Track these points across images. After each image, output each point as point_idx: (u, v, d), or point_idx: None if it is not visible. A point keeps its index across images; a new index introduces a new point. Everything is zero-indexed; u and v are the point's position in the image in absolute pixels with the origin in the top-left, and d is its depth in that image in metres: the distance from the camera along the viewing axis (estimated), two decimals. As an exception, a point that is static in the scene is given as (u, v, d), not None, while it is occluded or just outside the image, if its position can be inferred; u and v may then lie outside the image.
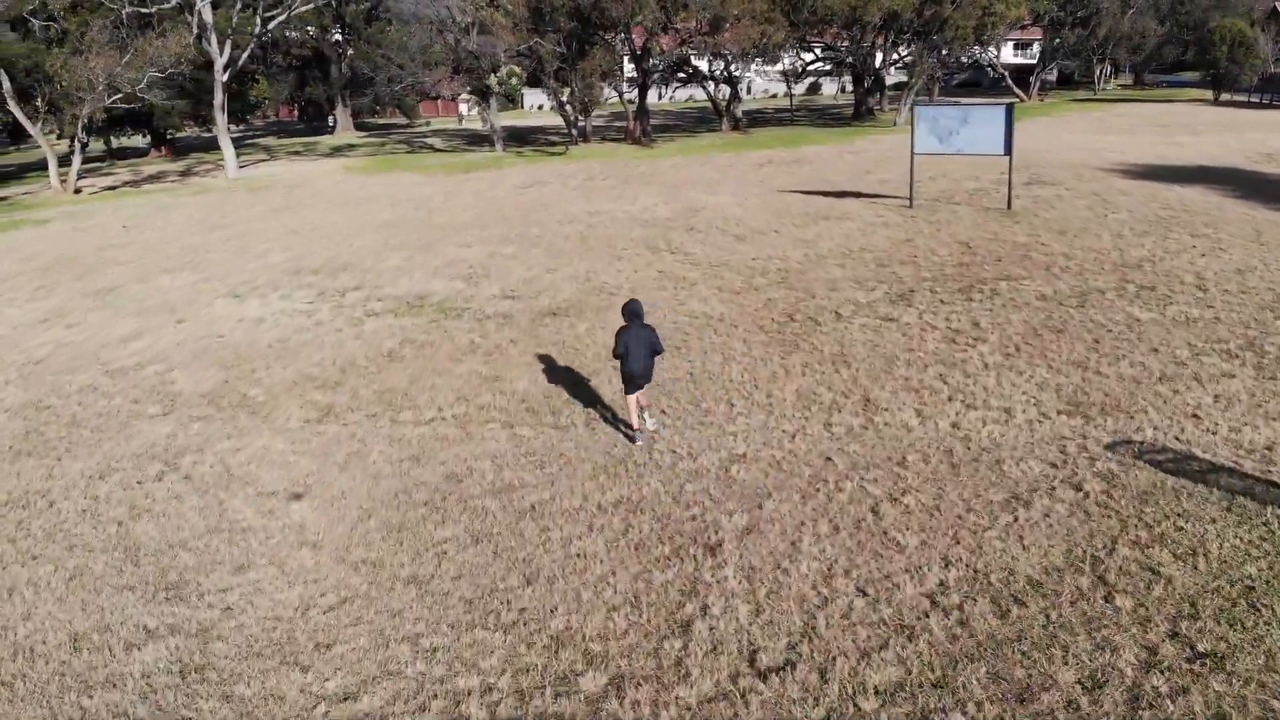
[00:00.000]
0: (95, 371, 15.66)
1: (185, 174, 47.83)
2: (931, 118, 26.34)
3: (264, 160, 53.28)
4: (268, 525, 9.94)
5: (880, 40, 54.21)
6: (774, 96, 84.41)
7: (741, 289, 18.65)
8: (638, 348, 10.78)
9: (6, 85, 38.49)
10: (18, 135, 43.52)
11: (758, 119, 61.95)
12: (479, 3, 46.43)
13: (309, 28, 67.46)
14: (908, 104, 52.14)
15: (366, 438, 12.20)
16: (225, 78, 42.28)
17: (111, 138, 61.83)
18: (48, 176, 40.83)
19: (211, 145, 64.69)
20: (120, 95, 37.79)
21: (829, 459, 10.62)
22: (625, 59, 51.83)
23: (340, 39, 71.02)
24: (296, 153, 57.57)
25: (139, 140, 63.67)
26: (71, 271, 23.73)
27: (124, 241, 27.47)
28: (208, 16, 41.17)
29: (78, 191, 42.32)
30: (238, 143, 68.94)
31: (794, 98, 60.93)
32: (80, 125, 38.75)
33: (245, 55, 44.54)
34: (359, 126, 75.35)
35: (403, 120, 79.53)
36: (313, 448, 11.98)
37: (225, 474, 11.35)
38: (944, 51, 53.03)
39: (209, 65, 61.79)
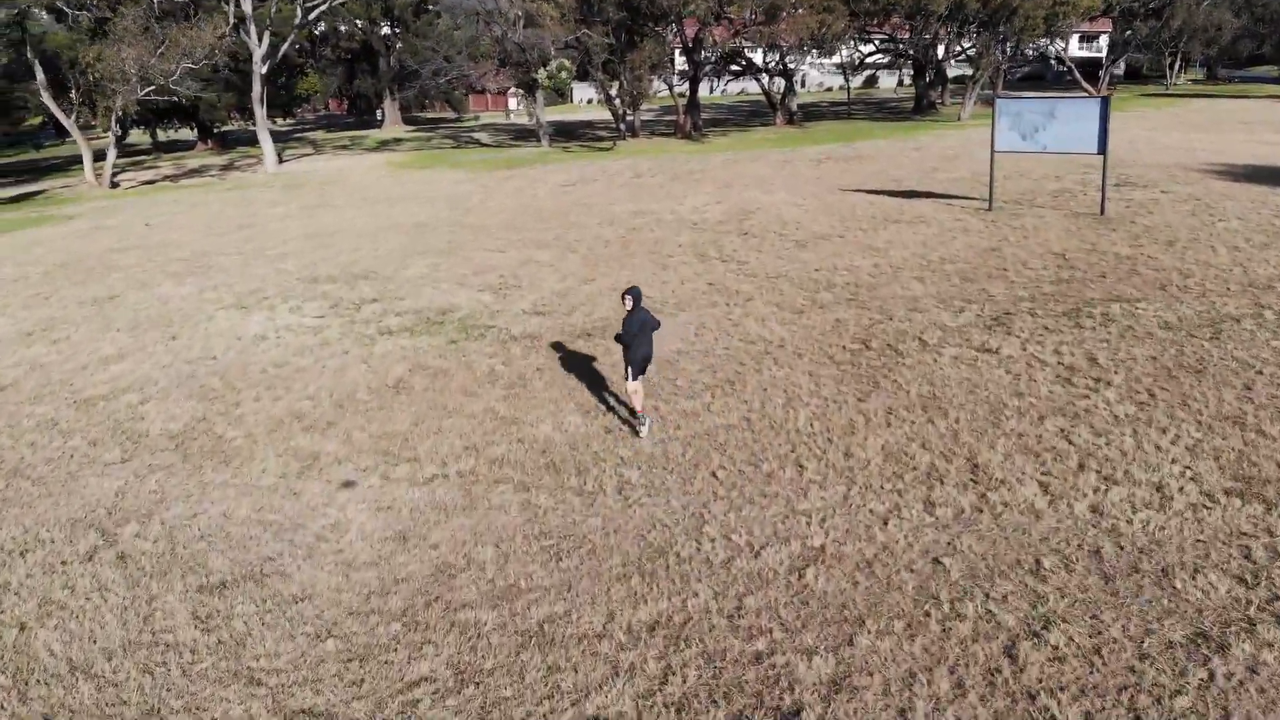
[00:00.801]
0: (61, 401, 13.34)
1: (226, 168, 45.99)
2: (1014, 112, 23.26)
3: (308, 154, 51.32)
4: (197, 643, 7.45)
5: (944, 31, 50.81)
6: (829, 90, 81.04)
7: (805, 306, 15.90)
8: (645, 335, 10.71)
9: (41, 77, 36.74)
10: (64, 129, 41.85)
11: (812, 113, 58.81)
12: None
13: (357, 20, 65.55)
14: (973, 98, 48.81)
15: (349, 504, 9.68)
16: (264, 70, 40.19)
17: (158, 131, 60.44)
18: (104, 168, 39.06)
19: (253, 140, 63.16)
20: (153, 87, 35.79)
21: (937, 561, 7.89)
22: (675, 51, 49.06)
23: (389, 32, 69.04)
24: (343, 147, 55.59)
25: (187, 133, 62.20)
26: (75, 276, 21.60)
27: (139, 243, 25.35)
28: (246, 7, 39.09)
29: (115, 185, 40.62)
30: (285, 136, 67.39)
31: (851, 91, 57.65)
32: (114, 118, 36.85)
33: (285, 47, 42.42)
34: (408, 120, 73.36)
35: (451, 114, 77.38)
36: (281, 517, 9.49)
37: (168, 554, 8.90)
38: (1012, 43, 49.50)
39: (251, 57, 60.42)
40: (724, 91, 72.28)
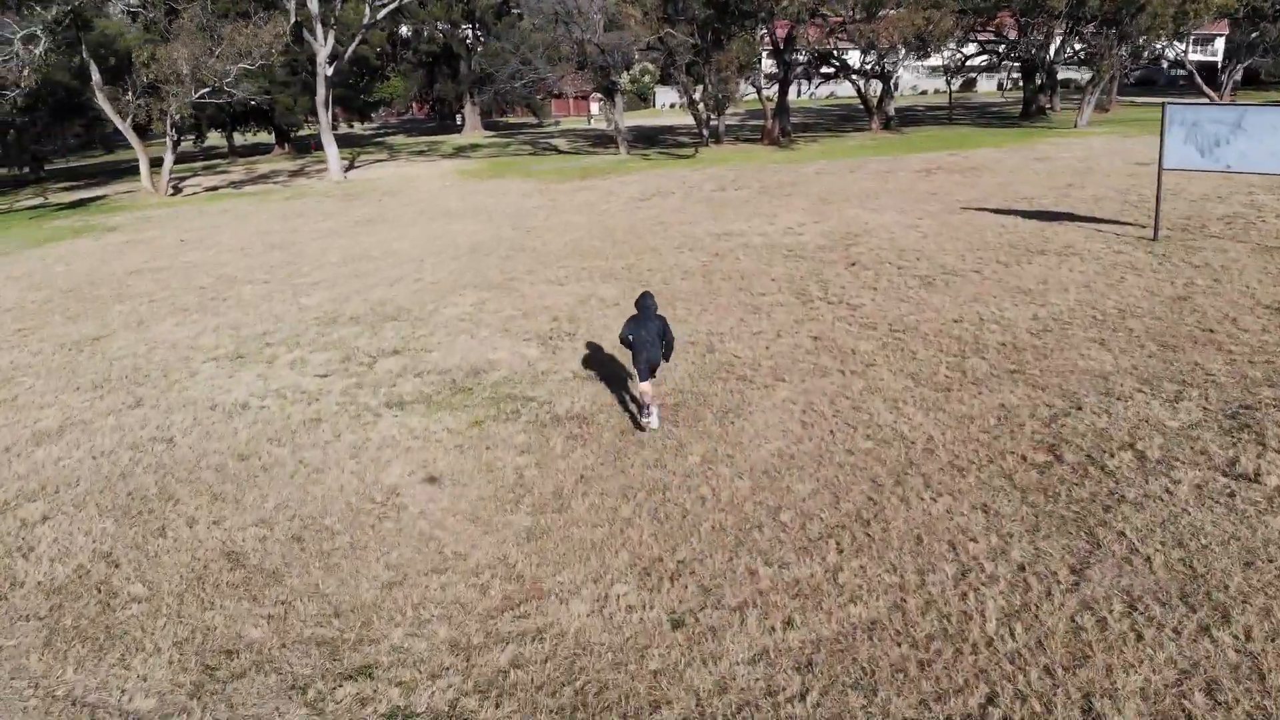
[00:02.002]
0: (-54, 507, 9.61)
1: (295, 174, 42.94)
2: (1189, 122, 18.24)
3: (381, 160, 48.06)
4: None
5: (1059, 30, 45.21)
6: (922, 93, 75.34)
7: (951, 380, 11.42)
8: (651, 338, 10.11)
9: (96, 77, 33.89)
10: (141, 131, 39.18)
11: (908, 117, 53.55)
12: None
13: (438, 23, 62.34)
14: (1091, 102, 43.18)
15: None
16: (329, 71, 36.80)
17: (235, 134, 58.02)
18: (157, 174, 36.14)
19: (339, 144, 60.37)
20: (207, 89, 32.62)
21: None
22: (763, 52, 44.50)
23: (470, 35, 65.73)
24: (419, 152, 52.29)
25: (266, 137, 59.74)
26: (74, 306, 18.16)
27: (166, 263, 21.91)
28: (313, 6, 35.74)
29: (177, 190, 37.83)
30: (365, 140, 64.64)
31: (952, 94, 52.27)
32: (169, 122, 33.80)
33: (353, 47, 39.03)
34: (488, 125, 70.03)
35: (533, 120, 73.83)
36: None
37: None
38: (1137, 43, 43.71)
39: (334, 59, 57.54)
40: (812, 95, 67.24)
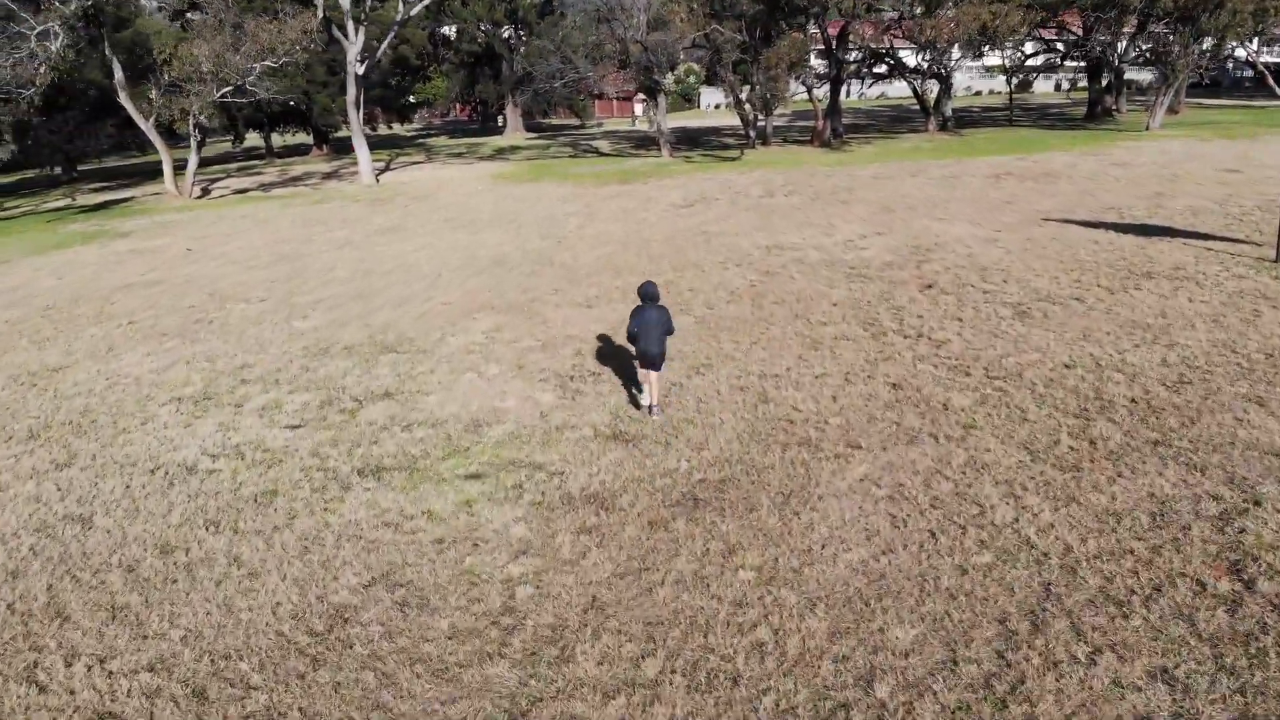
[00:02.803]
0: None
1: (329, 177, 40.83)
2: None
3: (419, 163, 45.83)
4: None
5: (1130, 27, 41.70)
6: (976, 94, 71.70)
7: (1077, 455, 8.66)
8: (650, 330, 9.73)
9: (119, 75, 31.93)
10: (171, 133, 37.39)
11: (964, 119, 50.22)
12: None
13: (480, 22, 60.09)
14: (1164, 104, 39.68)
15: None
16: (360, 70, 34.54)
17: (274, 135, 56.28)
18: (185, 176, 34.16)
19: (377, 145, 58.38)
20: (229, 89, 30.49)
21: None
22: (814, 50, 41.57)
23: (512, 34, 63.41)
24: (458, 154, 50.02)
25: (306, 138, 57.89)
26: (44, 330, 15.92)
27: (164, 276, 19.67)
28: (344, 1, 33.49)
29: (205, 193, 35.91)
30: (407, 142, 62.63)
31: (1013, 95, 48.76)
32: (191, 123, 31.75)
33: (385, 45, 36.75)
34: (530, 127, 67.73)
35: (575, 121, 71.34)
36: None
37: None
38: (1214, 41, 40.05)
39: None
40: (862, 95, 63.97)
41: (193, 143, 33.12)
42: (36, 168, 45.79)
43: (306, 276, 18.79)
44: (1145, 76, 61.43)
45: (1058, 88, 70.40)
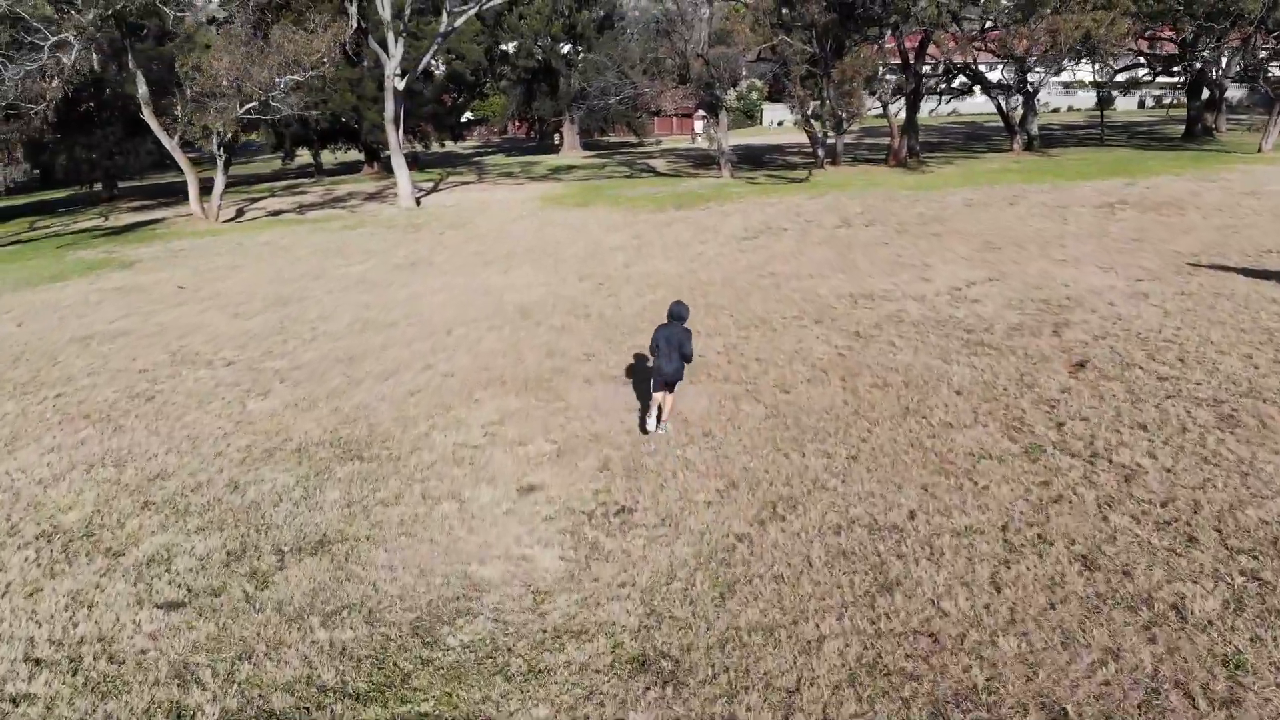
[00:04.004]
0: None
1: (371, 197, 37.56)
2: None
3: (468, 183, 42.43)
4: None
5: (1234, 38, 36.63)
6: (1054, 111, 66.41)
7: None
8: (667, 347, 9.15)
9: (143, 90, 28.98)
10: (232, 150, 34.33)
11: (1049, 137, 45.30)
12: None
13: (537, 37, 56.73)
14: (1278, 123, 34.54)
15: None
16: (401, 85, 31.19)
17: (325, 152, 53.50)
18: (211, 197, 31.12)
19: (431, 163, 55.34)
20: (253, 104, 27.28)
21: None
22: (890, 63, 37.25)
23: (571, 49, 59.93)
24: (509, 174, 46.53)
25: (358, 155, 55.00)
26: (-38, 396, 12.51)
27: (135, 326, 16.21)
28: (384, 12, 30.17)
29: (240, 214, 33.00)
30: (462, 160, 59.46)
31: (1104, 112, 43.71)
32: (216, 141, 28.63)
33: (427, 58, 33.38)
34: (588, 145, 64.17)
35: (633, 139, 67.64)
36: None
37: None
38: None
39: (426, 75, 52.29)
40: (932, 112, 59.21)
41: (219, 162, 30.01)
42: (77, 185, 43.43)
43: (296, 328, 15.18)
44: (1239, 94, 55.82)
45: (1141, 104, 64.86)
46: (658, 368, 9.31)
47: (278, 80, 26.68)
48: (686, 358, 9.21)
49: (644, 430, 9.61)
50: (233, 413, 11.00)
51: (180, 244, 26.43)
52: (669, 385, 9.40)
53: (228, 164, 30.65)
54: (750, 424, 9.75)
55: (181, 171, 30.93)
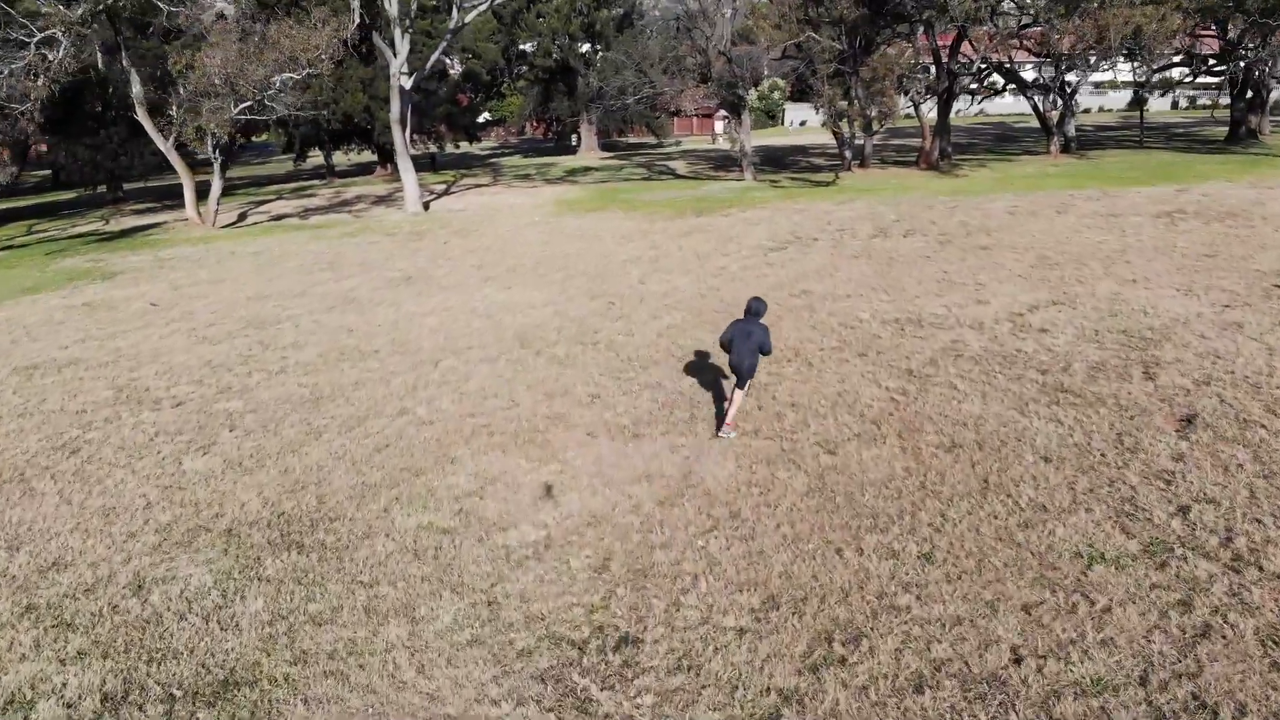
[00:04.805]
0: None
1: (380, 201, 35.69)
2: None
3: (482, 185, 40.48)
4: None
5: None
6: (1085, 111, 63.70)
7: None
8: (741, 342, 8.92)
9: (137, 89, 27.20)
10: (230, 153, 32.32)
11: (1084, 139, 42.83)
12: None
13: (554, 37, 54.70)
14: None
15: None
16: (408, 84, 29.29)
17: (339, 153, 51.69)
18: (230, 200, 29.39)
19: (449, 164, 53.46)
20: (247, 104, 25.40)
21: None
22: (923, 59, 34.96)
23: (589, 48, 57.86)
24: (525, 176, 44.54)
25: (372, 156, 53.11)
26: None
27: (77, 355, 14.19)
28: (391, 8, 28.22)
29: (241, 218, 31.31)
30: (477, 160, 57.53)
31: (1143, 113, 41.11)
32: (211, 143, 26.80)
33: (436, 55, 31.38)
34: (606, 146, 62.08)
35: (652, 140, 65.52)
36: None
37: None
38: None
39: (441, 75, 50.38)
40: (959, 112, 56.61)
41: (215, 165, 28.16)
42: (82, 187, 41.84)
43: (265, 356, 13.24)
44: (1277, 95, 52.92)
45: (1175, 105, 62.07)
46: (733, 364, 9.08)
47: (274, 78, 24.76)
48: (765, 352, 8.97)
49: (720, 434, 9.27)
50: (164, 474, 9.05)
51: (170, 252, 24.62)
52: (740, 381, 9.11)
53: (225, 167, 28.82)
54: (789, 500, 7.71)
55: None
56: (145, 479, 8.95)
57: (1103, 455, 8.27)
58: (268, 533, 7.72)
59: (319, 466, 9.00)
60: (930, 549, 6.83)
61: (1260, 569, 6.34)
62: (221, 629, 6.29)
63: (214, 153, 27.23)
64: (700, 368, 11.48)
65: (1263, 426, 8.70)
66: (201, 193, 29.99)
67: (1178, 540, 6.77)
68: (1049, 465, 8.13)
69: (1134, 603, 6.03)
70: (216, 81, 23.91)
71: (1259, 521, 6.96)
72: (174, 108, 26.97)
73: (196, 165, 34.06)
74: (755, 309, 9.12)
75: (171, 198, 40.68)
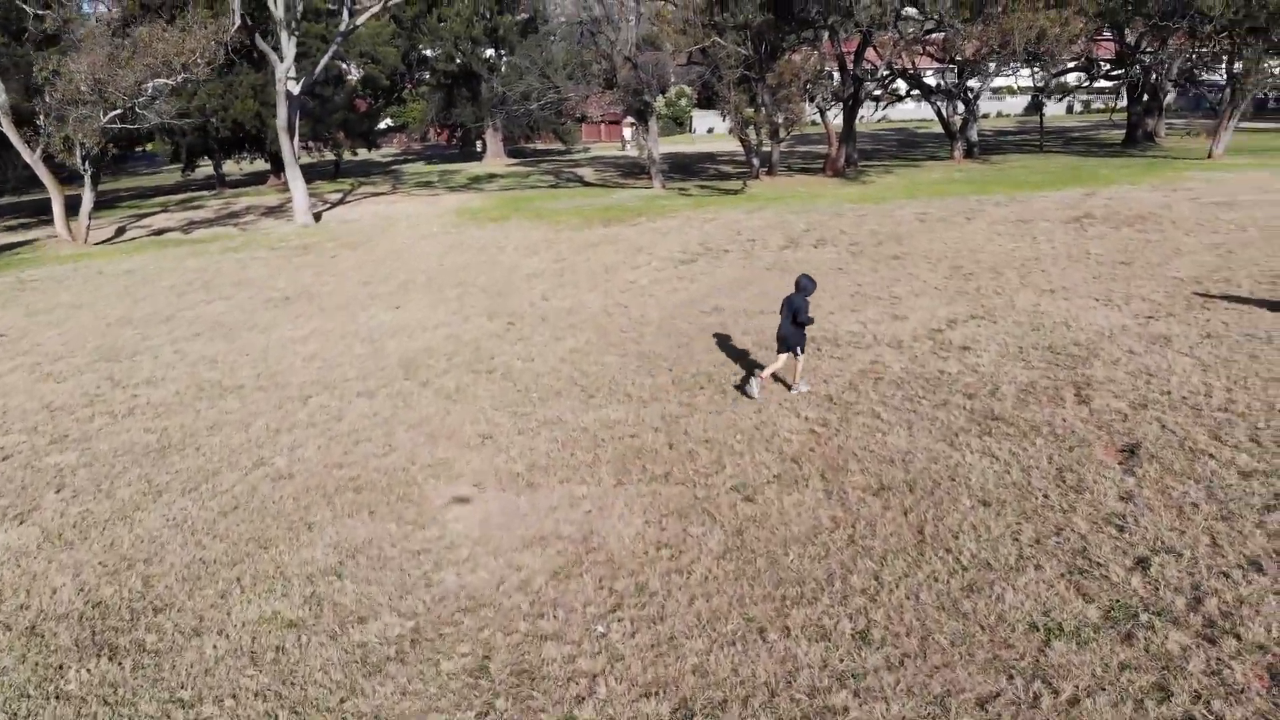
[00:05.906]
0: None
1: (269, 213, 33.55)
2: None
3: (380, 193, 38.62)
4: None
5: (1176, 40, 34.77)
6: (984, 116, 64.90)
7: None
8: (786, 314, 9.77)
9: (1, 98, 24.73)
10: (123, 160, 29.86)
11: (985, 144, 43.19)
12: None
13: (457, 42, 52.93)
14: (1230, 127, 32.82)
15: None
16: (296, 89, 27.43)
17: (230, 162, 48.94)
18: (110, 214, 26.97)
19: (349, 172, 51.20)
20: (117, 112, 23.27)
21: None
22: (829, 66, 34.56)
23: (493, 53, 56.26)
24: (426, 184, 42.74)
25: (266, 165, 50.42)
26: None
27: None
28: (277, 10, 26.33)
29: (120, 232, 29.07)
30: (379, 169, 55.31)
31: (1043, 118, 41.71)
32: (79, 153, 24.54)
33: (325, 60, 29.53)
34: (512, 153, 60.51)
35: (560, 146, 64.21)
36: None
37: None
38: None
39: (338, 80, 48.15)
40: (862, 118, 56.92)
41: (86, 178, 25.84)
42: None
43: (114, 396, 11.59)
44: (1169, 98, 54.65)
45: (1070, 109, 63.70)
46: (778, 334, 9.96)
47: (146, 85, 22.71)
48: (800, 322, 9.62)
49: (748, 391, 10.10)
50: (-44, 561, 7.47)
51: (35, 273, 22.34)
52: (781, 346, 9.93)
53: (96, 179, 26.49)
54: (704, 565, 6.63)
55: (67, 188, 26.81)
56: (-69, 566, 7.35)
57: (1045, 496, 7.42)
58: (77, 630, 6.27)
59: (152, 538, 7.54)
60: (866, 625, 5.82)
61: (1238, 638, 5.50)
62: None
63: (84, 164, 24.92)
64: (606, 404, 10.32)
65: (1211, 456, 7.99)
66: (74, 207, 27.65)
67: (1141, 604, 5.91)
68: (988, 510, 7.23)
69: (1103, 690, 5.12)
70: (84, 89, 21.75)
71: (1226, 576, 6.16)
72: (41, 117, 24.61)
73: (72, 179, 31.54)
74: (804, 285, 9.78)
75: (47, 213, 37.69)
